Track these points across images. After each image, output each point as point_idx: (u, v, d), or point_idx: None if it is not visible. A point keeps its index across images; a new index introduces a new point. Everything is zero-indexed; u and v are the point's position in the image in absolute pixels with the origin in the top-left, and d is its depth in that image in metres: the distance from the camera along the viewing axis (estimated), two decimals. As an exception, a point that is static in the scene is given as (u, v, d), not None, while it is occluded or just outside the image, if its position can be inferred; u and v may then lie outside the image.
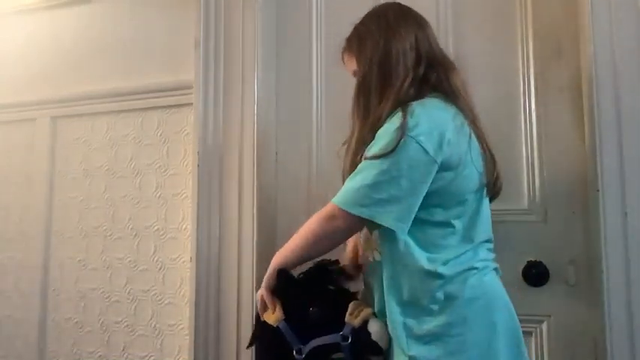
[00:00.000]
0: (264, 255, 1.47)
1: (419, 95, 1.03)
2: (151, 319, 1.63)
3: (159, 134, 1.67)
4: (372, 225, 1.03)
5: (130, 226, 1.69)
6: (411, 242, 1.01)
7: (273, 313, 1.06)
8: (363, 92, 1.07)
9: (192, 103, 1.55)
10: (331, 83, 1.52)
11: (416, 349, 0.98)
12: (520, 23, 1.37)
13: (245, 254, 1.45)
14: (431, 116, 0.99)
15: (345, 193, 1.00)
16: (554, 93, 1.33)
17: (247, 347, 1.18)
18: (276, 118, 1.57)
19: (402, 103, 1.00)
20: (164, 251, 1.63)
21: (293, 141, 1.55)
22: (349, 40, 1.15)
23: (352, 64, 1.14)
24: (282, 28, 1.60)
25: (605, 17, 1.20)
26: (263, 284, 1.10)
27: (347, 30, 1.22)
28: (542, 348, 1.29)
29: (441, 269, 1.00)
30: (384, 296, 1.04)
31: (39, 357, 1.76)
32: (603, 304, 1.16)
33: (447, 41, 1.42)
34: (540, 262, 1.29)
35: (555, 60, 1.33)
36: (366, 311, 1.03)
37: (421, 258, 1.00)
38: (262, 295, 1.09)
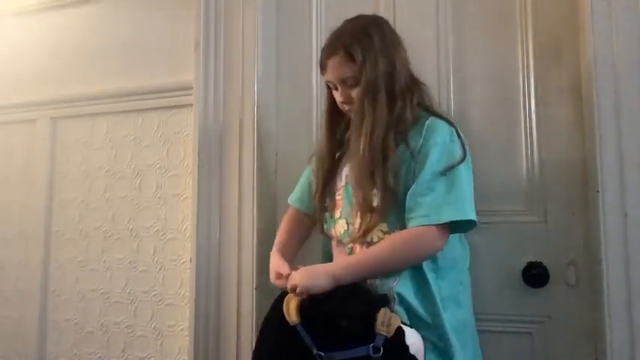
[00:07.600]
0: (264, 255, 1.47)
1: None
2: (150, 319, 1.63)
3: (159, 135, 1.67)
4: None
5: (130, 227, 1.69)
6: None
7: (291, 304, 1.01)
8: (372, 94, 1.11)
9: (192, 104, 1.55)
10: (331, 83, 1.52)
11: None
12: (520, 23, 1.37)
13: (245, 254, 1.45)
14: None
15: (454, 204, 1.05)
16: (554, 93, 1.33)
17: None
18: (276, 118, 1.57)
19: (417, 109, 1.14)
20: (164, 252, 1.63)
21: (293, 141, 1.55)
22: (346, 46, 1.14)
23: (347, 70, 1.14)
24: (282, 28, 1.60)
25: (605, 17, 1.20)
26: (302, 281, 1.04)
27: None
28: (542, 349, 1.29)
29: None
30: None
31: (39, 357, 1.76)
32: (603, 304, 1.16)
33: (447, 41, 1.43)
34: (540, 263, 1.29)
35: (555, 60, 1.33)
36: (396, 318, 0.98)
37: None
38: (292, 283, 1.04)
